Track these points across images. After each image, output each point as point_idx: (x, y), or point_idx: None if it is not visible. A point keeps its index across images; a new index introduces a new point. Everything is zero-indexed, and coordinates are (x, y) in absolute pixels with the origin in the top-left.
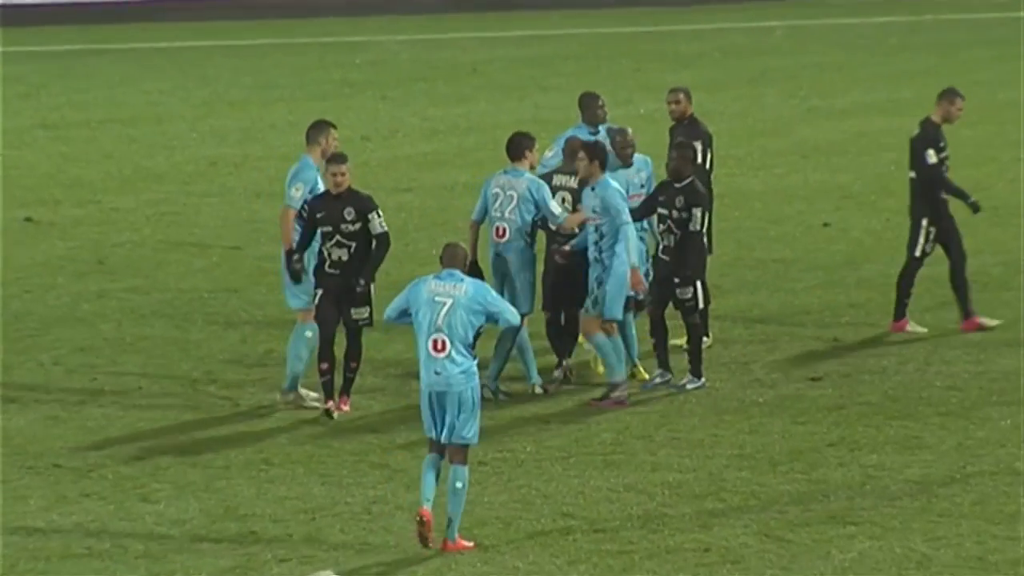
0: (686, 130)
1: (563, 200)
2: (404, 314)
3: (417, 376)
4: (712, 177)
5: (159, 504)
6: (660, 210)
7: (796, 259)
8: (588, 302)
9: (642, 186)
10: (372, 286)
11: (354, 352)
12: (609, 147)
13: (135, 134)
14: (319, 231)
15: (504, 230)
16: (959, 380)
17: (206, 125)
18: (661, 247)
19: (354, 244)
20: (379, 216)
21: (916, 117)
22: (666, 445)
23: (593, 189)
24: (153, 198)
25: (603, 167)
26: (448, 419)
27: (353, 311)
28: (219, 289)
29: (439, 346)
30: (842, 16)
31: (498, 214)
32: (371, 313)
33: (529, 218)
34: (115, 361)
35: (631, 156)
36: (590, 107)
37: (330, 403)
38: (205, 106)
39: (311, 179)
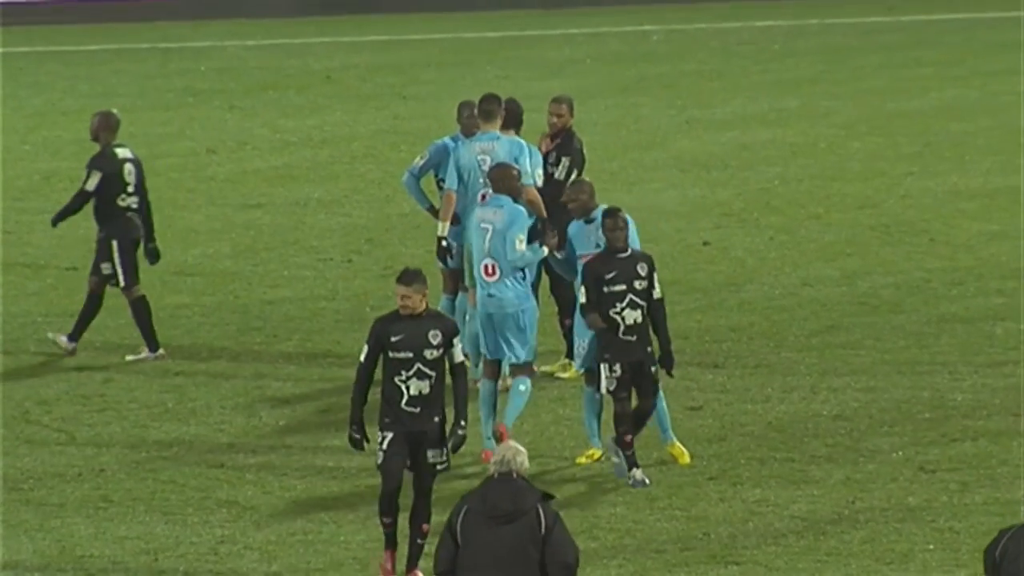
0: (560, 145)
1: None
2: None
3: (268, 398)
4: None
5: None
6: (611, 288)
7: (674, 280)
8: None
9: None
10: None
11: (426, 511)
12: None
13: None
14: (389, 357)
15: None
16: (847, 409)
17: (39, 136)
18: (623, 328)
19: (435, 375)
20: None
21: (802, 128)
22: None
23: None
24: None
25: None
26: (503, 341)
27: (430, 453)
28: (54, 313)
29: (490, 270)
30: (722, 20)
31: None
32: (448, 456)
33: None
34: None
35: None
36: (462, 116)
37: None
38: (38, 116)
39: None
